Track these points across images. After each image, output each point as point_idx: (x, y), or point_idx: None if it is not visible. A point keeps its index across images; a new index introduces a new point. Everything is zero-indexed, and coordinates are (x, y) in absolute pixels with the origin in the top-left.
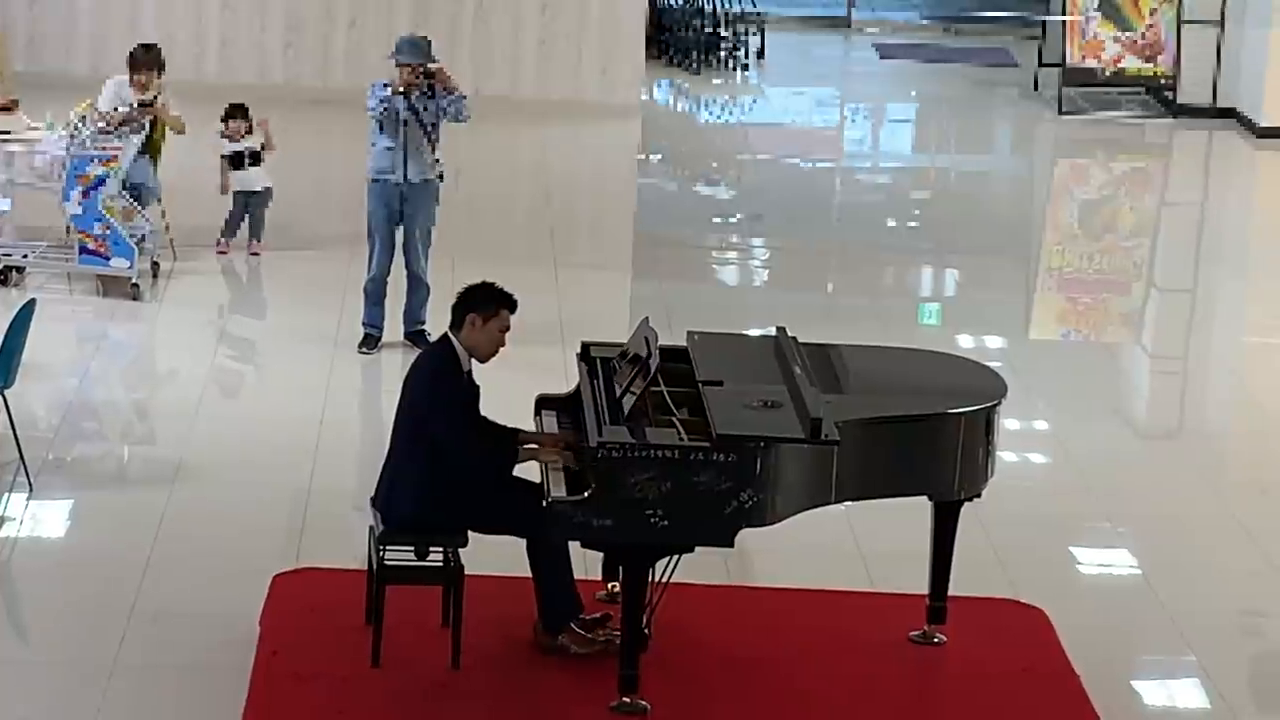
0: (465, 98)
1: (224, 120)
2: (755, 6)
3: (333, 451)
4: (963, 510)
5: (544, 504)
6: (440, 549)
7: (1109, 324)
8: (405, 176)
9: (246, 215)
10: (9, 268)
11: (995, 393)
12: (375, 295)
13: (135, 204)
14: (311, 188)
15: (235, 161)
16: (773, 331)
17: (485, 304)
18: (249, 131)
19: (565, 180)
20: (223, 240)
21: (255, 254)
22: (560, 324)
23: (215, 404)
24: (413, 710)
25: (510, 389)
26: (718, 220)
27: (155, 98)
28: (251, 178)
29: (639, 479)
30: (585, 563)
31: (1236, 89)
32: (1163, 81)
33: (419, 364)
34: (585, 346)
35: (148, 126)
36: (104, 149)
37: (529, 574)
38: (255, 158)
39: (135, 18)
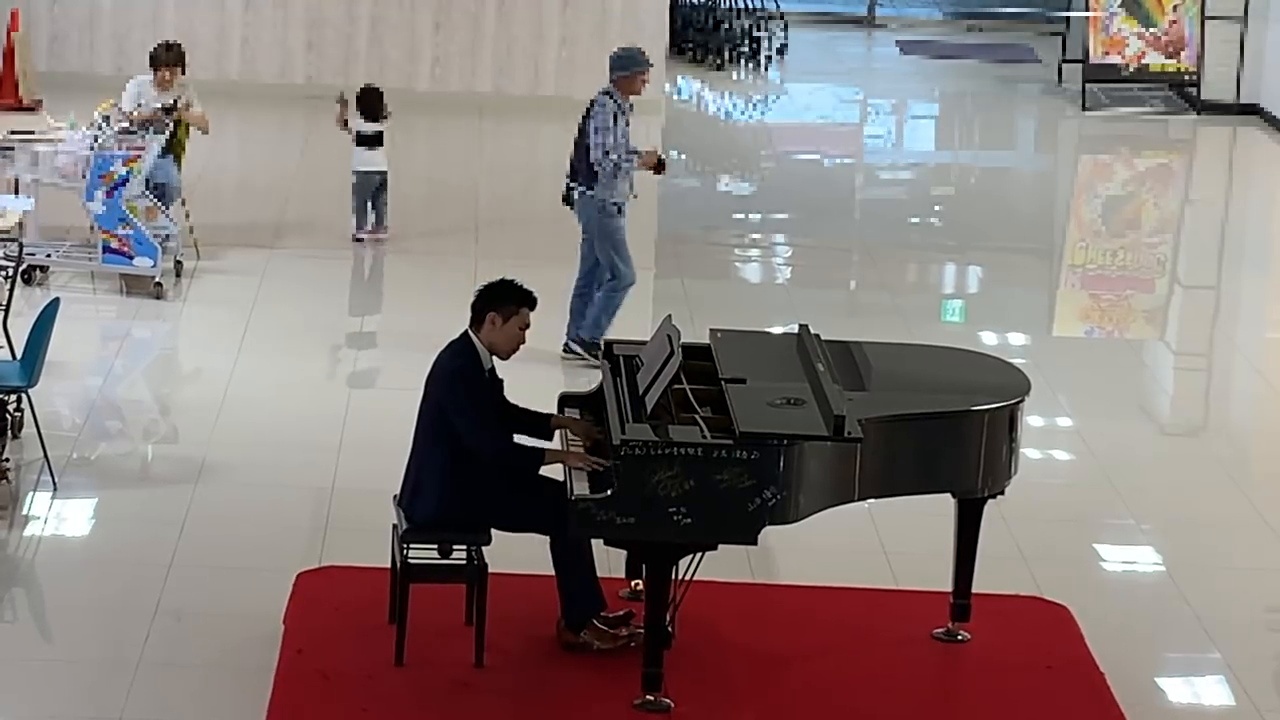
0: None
1: (358, 105)
2: (777, 4)
3: (356, 450)
4: (986, 507)
5: (567, 502)
6: (463, 547)
7: (1132, 321)
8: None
9: (370, 201)
10: (33, 267)
11: (1019, 390)
12: (617, 306)
13: (158, 203)
14: (332, 185)
15: (361, 140)
16: (795, 329)
17: (505, 302)
18: (381, 116)
19: None
20: (359, 230)
21: (380, 239)
22: None
23: (238, 402)
24: (436, 708)
25: (534, 387)
26: (740, 217)
27: (177, 101)
28: (372, 158)
29: (662, 477)
30: (608, 560)
31: (1260, 85)
32: (1186, 78)
33: (440, 362)
34: (608, 344)
35: (171, 125)
36: (127, 148)
37: (552, 572)
38: (379, 138)
39: (157, 17)
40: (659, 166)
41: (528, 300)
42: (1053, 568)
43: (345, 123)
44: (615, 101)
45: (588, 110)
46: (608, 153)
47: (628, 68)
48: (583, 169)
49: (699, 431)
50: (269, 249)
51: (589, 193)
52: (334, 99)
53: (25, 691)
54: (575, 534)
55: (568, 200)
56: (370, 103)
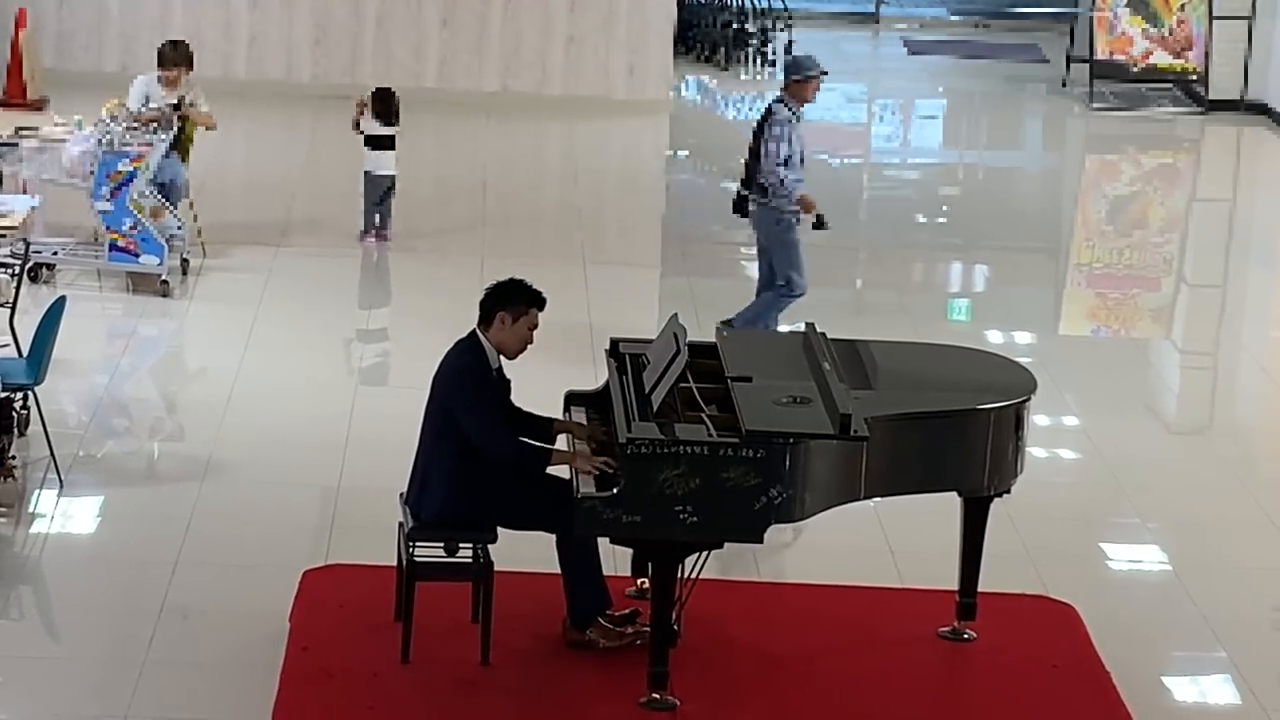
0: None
1: (372, 106)
2: (784, 3)
3: (362, 448)
4: (992, 506)
5: (573, 500)
6: (470, 545)
7: (1139, 319)
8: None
9: (378, 203)
10: (39, 265)
11: (1025, 388)
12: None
13: (165, 201)
14: (339, 184)
15: (370, 142)
16: (802, 328)
17: (515, 302)
18: (390, 118)
19: (594, 177)
20: (366, 232)
21: (384, 239)
22: (589, 320)
23: (245, 400)
24: (442, 706)
25: (539, 385)
26: None
27: (184, 99)
28: (381, 161)
29: (668, 475)
30: (614, 559)
31: (1266, 84)
32: (1193, 76)
33: (447, 361)
34: (614, 343)
35: (177, 124)
36: (134, 146)
37: (558, 570)
38: (390, 141)
39: (164, 15)
40: (818, 220)
41: (537, 301)
42: (1059, 567)
43: (358, 124)
44: (789, 109)
45: (763, 118)
46: (776, 170)
47: (802, 73)
48: (757, 178)
49: (705, 430)
50: (275, 247)
51: (766, 203)
52: (354, 100)
53: (31, 689)
54: (581, 532)
55: (740, 209)
56: (384, 104)
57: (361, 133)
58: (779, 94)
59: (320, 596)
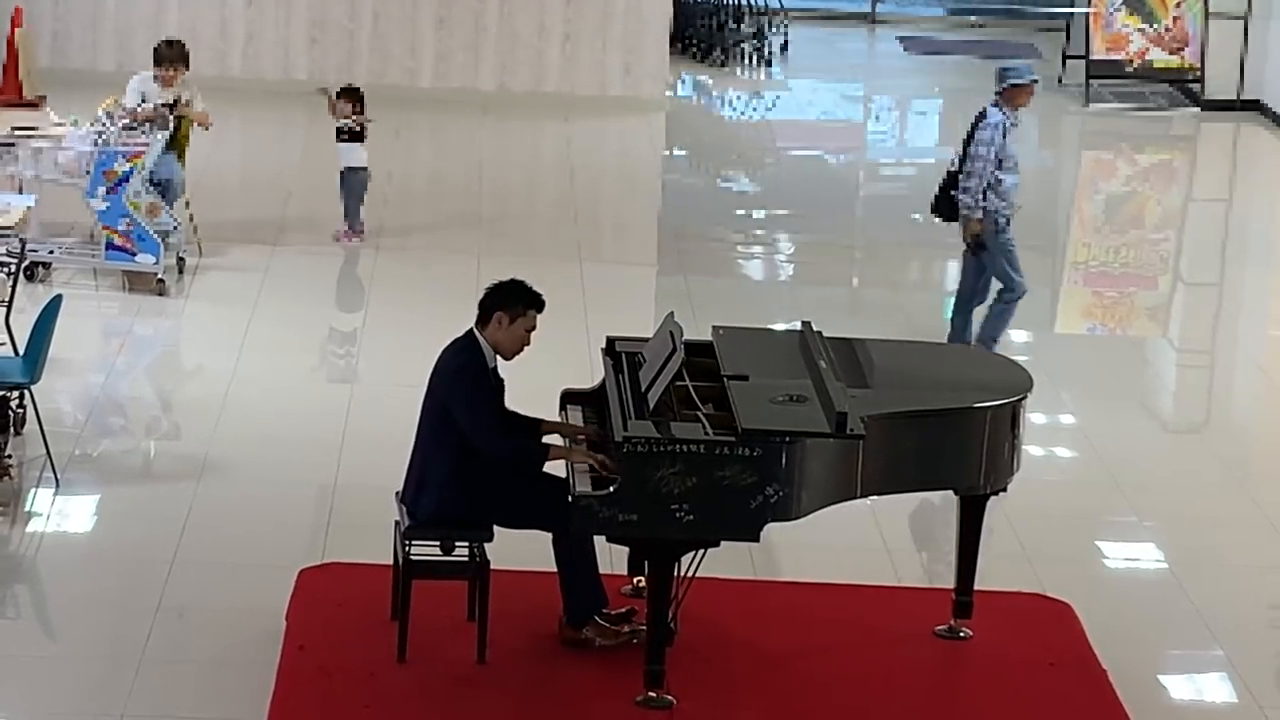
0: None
1: (338, 97)
2: (780, 1)
3: (358, 446)
4: (989, 504)
5: (569, 499)
6: (466, 544)
7: (1135, 318)
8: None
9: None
10: (35, 263)
11: (1021, 387)
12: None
13: (161, 200)
14: (335, 182)
15: (339, 134)
16: (798, 326)
17: (513, 303)
18: (356, 113)
19: (590, 175)
20: (344, 230)
21: (348, 240)
22: (585, 319)
23: (241, 399)
24: (438, 704)
25: (535, 384)
26: (742, 214)
27: (180, 97)
28: (349, 153)
29: (664, 473)
30: (611, 557)
31: (1262, 82)
32: (1189, 75)
33: (444, 359)
34: (610, 341)
35: (173, 122)
36: (130, 145)
37: (554, 569)
38: (356, 135)
39: (160, 14)
40: (976, 239)
41: (536, 303)
42: (1055, 565)
43: (357, 122)
44: (1003, 113)
45: (976, 121)
46: (984, 173)
47: (1024, 78)
48: (961, 180)
49: (701, 428)
50: (271, 245)
51: (972, 204)
52: (323, 92)
53: (28, 688)
54: (578, 531)
55: (941, 211)
56: (360, 101)
57: (360, 126)
58: (993, 99)
59: (317, 595)
